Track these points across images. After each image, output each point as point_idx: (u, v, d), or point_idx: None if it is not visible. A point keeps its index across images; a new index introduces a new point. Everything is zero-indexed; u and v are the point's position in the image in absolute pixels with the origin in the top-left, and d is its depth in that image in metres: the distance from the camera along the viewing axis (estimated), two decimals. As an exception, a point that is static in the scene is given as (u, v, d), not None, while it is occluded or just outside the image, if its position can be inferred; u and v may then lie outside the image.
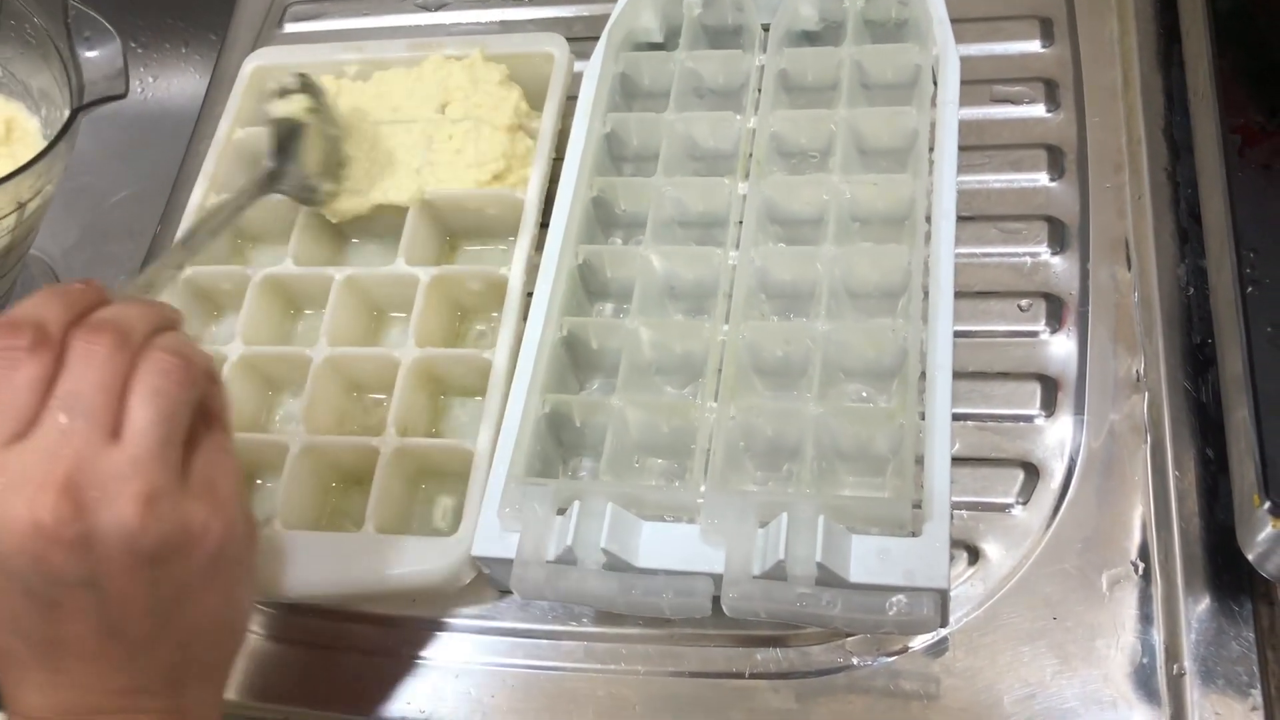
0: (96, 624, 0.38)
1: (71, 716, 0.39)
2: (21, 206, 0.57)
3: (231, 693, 0.53)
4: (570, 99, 0.63)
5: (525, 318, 0.55)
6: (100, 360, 0.38)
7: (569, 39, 0.65)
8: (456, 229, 0.61)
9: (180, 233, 0.59)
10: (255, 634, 0.55)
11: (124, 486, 0.37)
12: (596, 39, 0.63)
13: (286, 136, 0.58)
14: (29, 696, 0.39)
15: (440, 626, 0.54)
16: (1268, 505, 0.39)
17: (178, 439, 0.39)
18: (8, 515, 0.36)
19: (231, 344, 0.57)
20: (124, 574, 0.37)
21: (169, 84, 0.84)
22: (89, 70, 0.58)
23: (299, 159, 0.58)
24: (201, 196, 0.62)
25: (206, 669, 0.42)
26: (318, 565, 0.50)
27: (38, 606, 0.38)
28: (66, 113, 0.58)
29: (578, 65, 0.64)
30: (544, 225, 0.58)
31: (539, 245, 0.57)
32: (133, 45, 0.83)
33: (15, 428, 0.37)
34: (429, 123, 0.61)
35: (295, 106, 0.58)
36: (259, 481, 0.56)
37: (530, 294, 0.56)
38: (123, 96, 0.58)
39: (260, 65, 0.67)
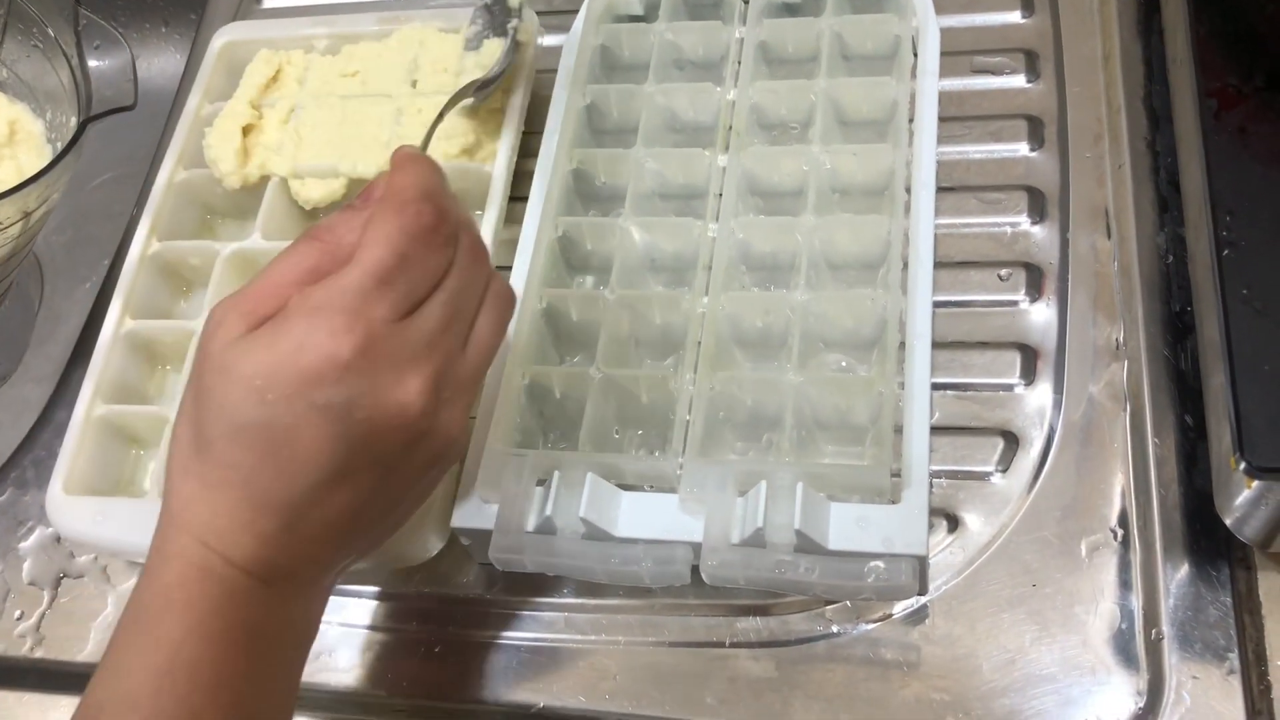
0: (365, 496, 0.40)
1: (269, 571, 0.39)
2: (27, 215, 0.57)
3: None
4: (541, 72, 0.62)
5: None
6: (482, 273, 0.43)
7: (549, 12, 0.65)
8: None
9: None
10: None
11: (463, 398, 0.42)
12: (576, 12, 0.63)
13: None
14: (240, 537, 0.39)
15: (420, 599, 0.54)
16: (1244, 466, 0.39)
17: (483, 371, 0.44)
18: (382, 396, 0.38)
19: (199, 319, 0.57)
20: (416, 469, 0.41)
21: (149, 64, 0.83)
22: (97, 79, 0.58)
23: None
24: (169, 174, 0.62)
25: (390, 523, 0.44)
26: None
27: (341, 475, 0.39)
28: (73, 119, 0.58)
29: (558, 38, 0.64)
30: (513, 199, 0.58)
31: (507, 218, 0.56)
32: (112, 24, 0.82)
33: (409, 306, 0.39)
34: (398, 96, 0.61)
35: None
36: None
37: (499, 267, 0.55)
38: (131, 108, 0.58)
39: (229, 41, 0.66)
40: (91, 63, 0.59)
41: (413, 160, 0.42)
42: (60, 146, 0.61)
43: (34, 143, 0.63)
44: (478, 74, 0.58)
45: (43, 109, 0.63)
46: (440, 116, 0.52)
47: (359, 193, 0.43)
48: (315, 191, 0.60)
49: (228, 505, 0.38)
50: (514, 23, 0.59)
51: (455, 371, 0.41)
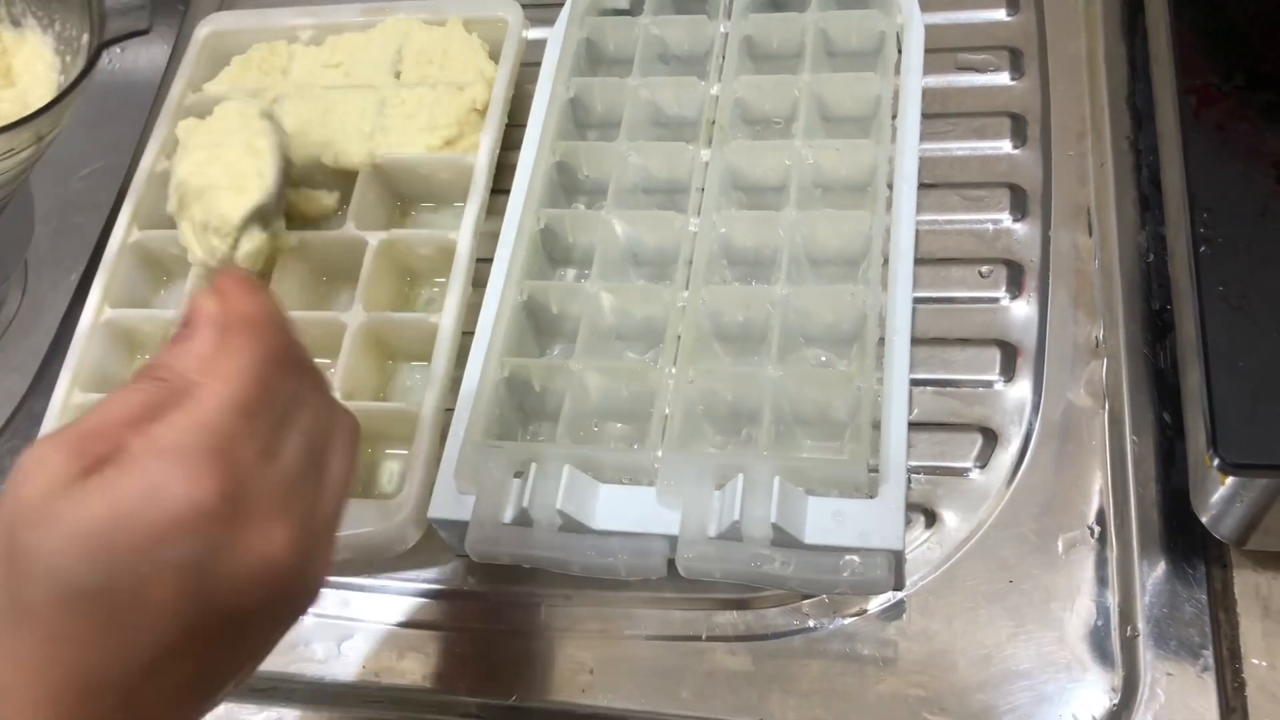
0: (214, 662, 0.35)
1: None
2: (40, 141, 0.57)
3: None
4: (525, 65, 0.62)
5: (474, 283, 0.55)
6: (328, 402, 0.39)
7: (535, 5, 0.65)
8: (408, 194, 0.60)
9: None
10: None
11: (326, 546, 0.38)
12: (561, 5, 0.63)
13: None
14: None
15: (397, 590, 0.53)
16: (1217, 462, 0.39)
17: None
18: (246, 549, 0.34)
19: (179, 309, 0.57)
20: (273, 627, 0.37)
21: (136, 55, 0.82)
22: (111, 4, 0.58)
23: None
24: (151, 162, 0.62)
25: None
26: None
27: (188, 640, 0.34)
28: (85, 35, 0.58)
29: (543, 31, 0.63)
30: (496, 191, 0.58)
31: (489, 211, 0.56)
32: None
33: (272, 444, 0.35)
34: (382, 87, 0.61)
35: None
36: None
37: (480, 260, 0.55)
38: (146, 31, 0.57)
39: (213, 30, 0.66)
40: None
41: (248, 284, 0.38)
42: (69, 60, 0.61)
43: (42, 76, 0.63)
44: None
45: (52, 20, 0.63)
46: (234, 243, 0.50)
47: (180, 323, 0.38)
48: (315, 205, 0.60)
49: (49, 690, 0.32)
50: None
51: (317, 516, 0.36)
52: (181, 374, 0.35)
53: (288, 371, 0.37)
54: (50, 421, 0.54)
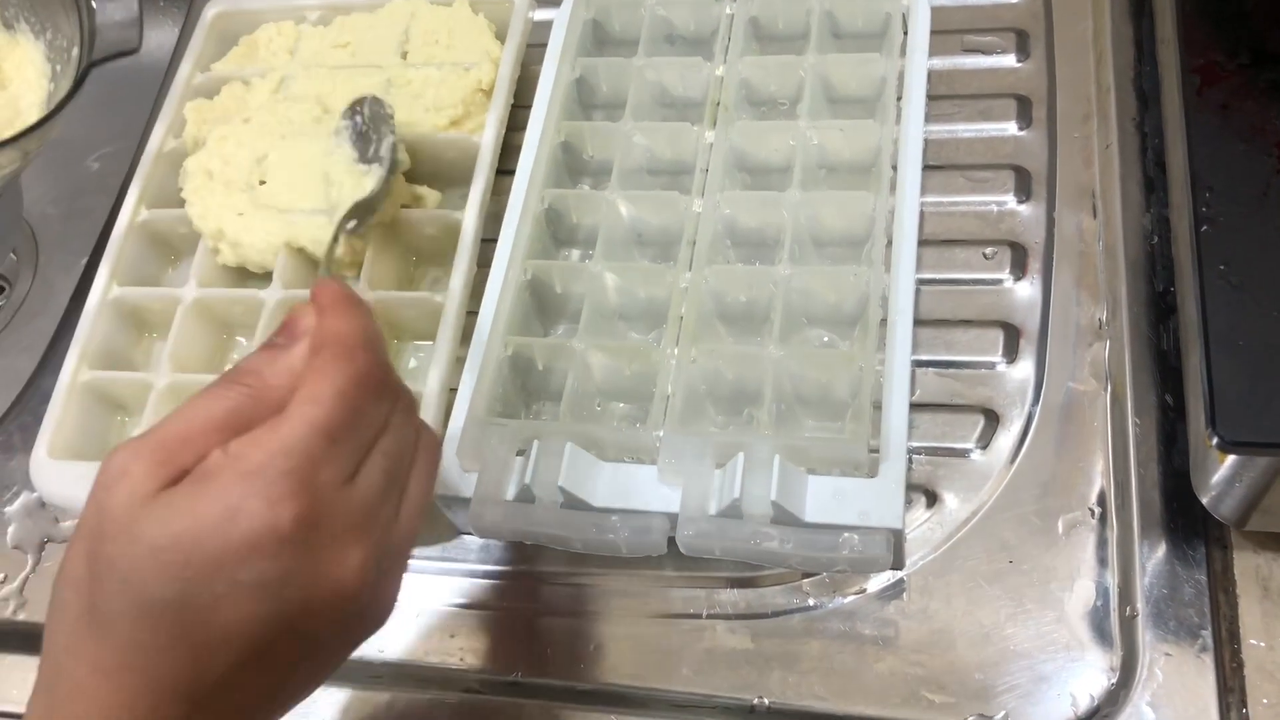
0: (284, 677, 0.36)
1: None
2: (26, 155, 0.58)
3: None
4: (531, 46, 0.62)
5: (478, 262, 0.55)
6: (414, 426, 0.39)
7: (541, -16, 0.65)
8: (414, 174, 0.60)
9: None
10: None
11: (398, 569, 0.38)
12: (568, -15, 0.63)
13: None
14: None
15: (401, 567, 0.54)
16: (1216, 440, 0.39)
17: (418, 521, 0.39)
18: (320, 572, 0.34)
19: (186, 286, 0.57)
20: (343, 646, 0.37)
21: (145, 38, 0.83)
22: (102, 20, 0.58)
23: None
24: (159, 143, 0.62)
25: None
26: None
27: (261, 657, 0.34)
28: (76, 49, 0.58)
29: (549, 11, 0.63)
30: (501, 171, 0.58)
31: (494, 191, 0.56)
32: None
33: (353, 470, 0.36)
34: (388, 67, 0.61)
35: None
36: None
37: (485, 240, 0.56)
38: (135, 51, 0.57)
39: (221, 11, 0.66)
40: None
41: (347, 301, 0.38)
42: (59, 69, 0.61)
43: (36, 65, 0.63)
44: (356, 194, 0.54)
45: (44, 28, 0.63)
46: (335, 239, 0.49)
47: (278, 330, 0.38)
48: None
49: (126, 695, 0.33)
50: (389, 141, 0.54)
51: (391, 540, 0.37)
52: (264, 384, 0.36)
53: (377, 394, 0.37)
54: (58, 401, 0.55)
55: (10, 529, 0.58)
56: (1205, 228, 0.42)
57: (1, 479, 0.60)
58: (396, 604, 0.39)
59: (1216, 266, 0.41)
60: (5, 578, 0.57)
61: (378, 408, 0.37)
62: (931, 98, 0.58)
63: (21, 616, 0.56)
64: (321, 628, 0.35)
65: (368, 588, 0.35)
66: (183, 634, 0.33)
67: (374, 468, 0.36)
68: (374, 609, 0.37)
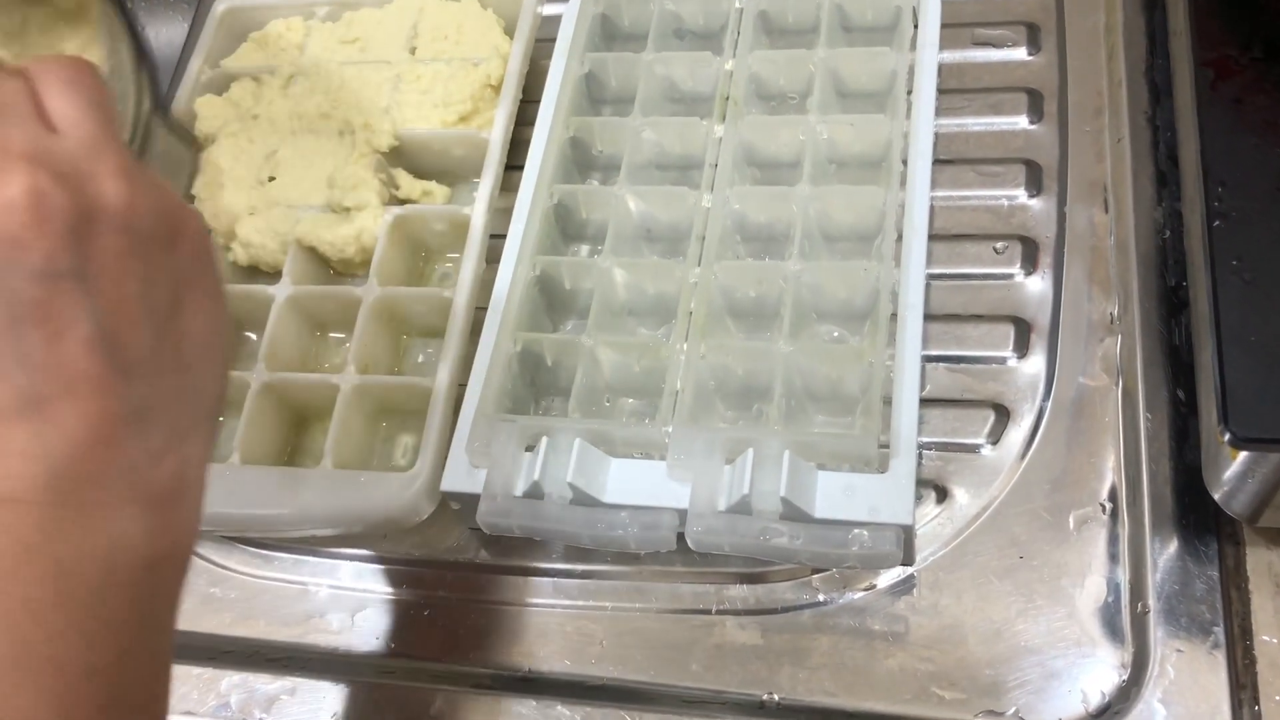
0: (89, 332, 0.30)
1: (60, 485, 0.31)
2: None
3: (188, 623, 0.53)
4: (540, 40, 0.62)
5: (487, 259, 0.55)
6: None
7: (550, -21, 0.65)
8: (422, 170, 0.61)
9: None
10: (220, 569, 0.55)
11: (95, 164, 0.31)
12: (577, -20, 0.63)
13: None
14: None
15: (410, 562, 0.54)
16: (1228, 437, 0.39)
17: (116, 130, 0.33)
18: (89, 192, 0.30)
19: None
20: (116, 261, 0.31)
21: (155, 33, 0.83)
22: None
23: None
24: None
25: (201, 414, 0.35)
26: (275, 499, 0.50)
27: (18, 320, 0.30)
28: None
29: (557, 6, 0.63)
30: (510, 167, 0.58)
31: (503, 186, 0.56)
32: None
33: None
34: (397, 63, 0.61)
35: None
36: (220, 420, 0.56)
37: (494, 235, 0.56)
38: None
39: (231, 7, 0.67)
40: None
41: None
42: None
43: None
44: None
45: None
46: None
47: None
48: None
49: None
50: None
51: (57, 149, 0.31)
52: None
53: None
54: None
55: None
56: (1218, 223, 0.42)
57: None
58: (170, 207, 0.33)
59: (1229, 262, 0.41)
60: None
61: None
62: (941, 91, 0.57)
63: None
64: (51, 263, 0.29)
65: (48, 191, 0.30)
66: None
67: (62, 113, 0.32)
68: (115, 213, 0.31)
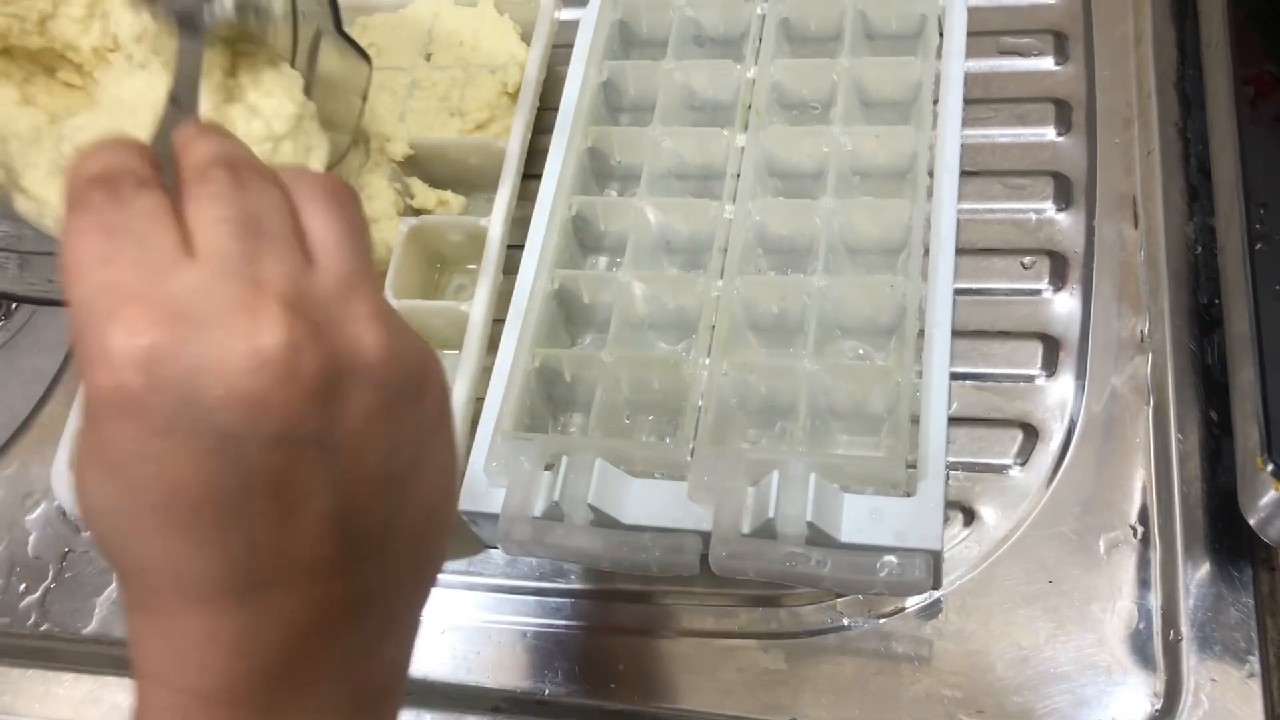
0: (327, 508, 0.27)
1: (269, 686, 0.27)
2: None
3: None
4: (557, 47, 0.61)
5: (505, 270, 0.54)
6: (246, 183, 0.28)
7: (567, -16, 0.64)
8: (438, 179, 0.59)
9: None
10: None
11: (351, 306, 0.27)
12: (595, -15, 0.61)
13: None
14: (181, 654, 0.27)
15: (426, 582, 0.53)
16: (1270, 468, 0.38)
17: (372, 263, 0.30)
18: (209, 355, 0.25)
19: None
20: (364, 424, 0.27)
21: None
22: None
23: None
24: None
25: (423, 586, 0.31)
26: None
27: (249, 490, 0.26)
28: None
29: (575, 12, 0.62)
30: (527, 176, 0.57)
31: (520, 196, 0.55)
32: None
33: (170, 252, 0.26)
34: (412, 69, 0.60)
35: None
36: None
37: (511, 246, 0.55)
38: None
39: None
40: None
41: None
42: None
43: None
44: None
45: None
46: None
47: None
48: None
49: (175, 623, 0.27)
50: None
51: (313, 288, 0.27)
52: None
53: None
54: (79, 407, 0.54)
55: (31, 539, 0.58)
56: (1260, 245, 0.41)
57: (23, 486, 0.59)
58: (414, 356, 0.29)
59: (1272, 286, 0.40)
60: (26, 588, 0.56)
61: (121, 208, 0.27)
62: (967, 101, 0.56)
63: (44, 628, 0.55)
64: (281, 419, 0.26)
65: (301, 345, 0.26)
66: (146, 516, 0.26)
67: (213, 234, 0.27)
68: (357, 362, 0.27)
